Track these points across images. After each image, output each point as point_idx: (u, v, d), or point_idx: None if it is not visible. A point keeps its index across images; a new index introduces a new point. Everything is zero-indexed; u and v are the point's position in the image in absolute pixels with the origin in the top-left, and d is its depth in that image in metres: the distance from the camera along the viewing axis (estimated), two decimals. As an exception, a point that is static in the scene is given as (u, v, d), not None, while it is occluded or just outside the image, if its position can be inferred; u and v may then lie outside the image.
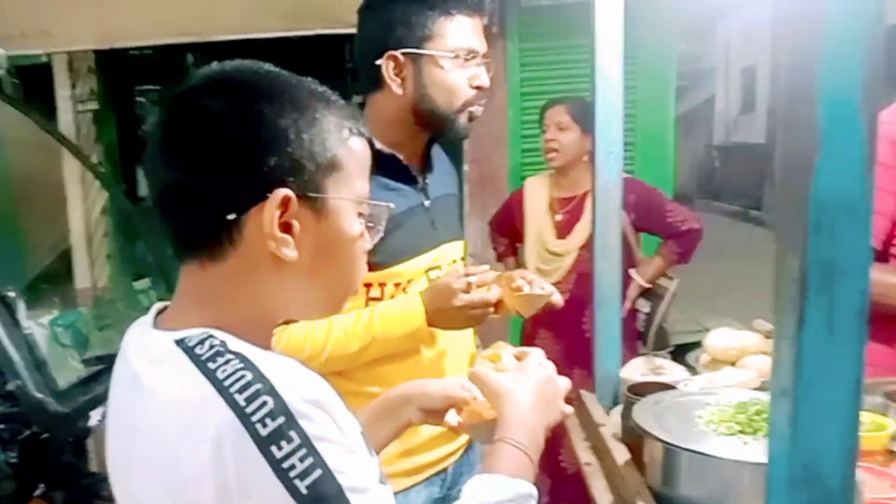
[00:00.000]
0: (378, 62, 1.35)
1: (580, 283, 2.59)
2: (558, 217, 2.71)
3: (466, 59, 1.35)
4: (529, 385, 0.95)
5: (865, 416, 1.30)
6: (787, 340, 0.62)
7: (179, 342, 0.70)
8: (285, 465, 0.62)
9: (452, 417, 1.05)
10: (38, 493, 1.76)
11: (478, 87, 1.38)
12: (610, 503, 1.21)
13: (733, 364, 1.47)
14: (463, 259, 1.57)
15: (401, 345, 1.36)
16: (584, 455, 1.38)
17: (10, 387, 1.61)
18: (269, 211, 0.72)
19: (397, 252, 1.37)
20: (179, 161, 0.74)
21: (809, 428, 0.61)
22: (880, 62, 0.59)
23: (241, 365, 0.67)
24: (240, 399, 0.64)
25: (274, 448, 0.62)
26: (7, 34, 3.70)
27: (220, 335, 0.71)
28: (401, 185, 1.40)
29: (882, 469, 1.16)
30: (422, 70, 1.34)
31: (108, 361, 1.96)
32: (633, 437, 1.21)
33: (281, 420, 0.63)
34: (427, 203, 1.45)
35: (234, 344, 0.70)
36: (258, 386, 0.65)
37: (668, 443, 1.06)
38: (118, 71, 5.32)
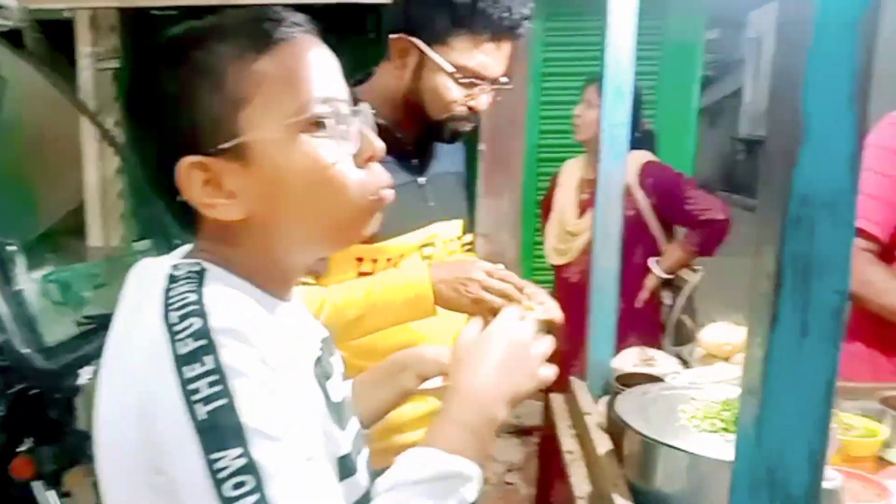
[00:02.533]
0: (392, 36, 1.33)
1: None
2: (584, 196, 2.69)
3: (470, 85, 1.31)
4: (490, 351, 0.82)
5: (859, 421, 1.26)
6: (758, 338, 0.59)
7: (174, 266, 0.71)
8: (191, 386, 0.62)
9: (434, 382, 1.03)
10: (25, 447, 1.77)
11: (471, 108, 1.34)
12: (588, 493, 1.19)
13: (727, 360, 1.44)
14: (459, 238, 1.54)
15: (401, 314, 1.30)
16: (567, 443, 1.36)
17: (-2, 341, 1.61)
18: (183, 186, 0.70)
19: (386, 227, 1.35)
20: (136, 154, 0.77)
21: (775, 430, 0.58)
22: (875, 49, 0.55)
23: (192, 287, 0.68)
24: (173, 316, 0.65)
25: (186, 368, 0.63)
26: (27, -14, 3.69)
27: (210, 267, 0.71)
28: (391, 158, 1.38)
29: (870, 476, 1.12)
30: (422, 67, 1.31)
31: (101, 320, 1.96)
32: (617, 429, 1.19)
33: (202, 342, 0.63)
34: (421, 180, 1.42)
35: (215, 275, 0.70)
36: (193, 307, 0.65)
37: (645, 436, 1.03)
38: (141, 30, 5.31)
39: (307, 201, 0.72)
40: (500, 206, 4.57)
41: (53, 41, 5.13)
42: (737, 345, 1.44)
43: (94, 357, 1.78)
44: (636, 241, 2.63)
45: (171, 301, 0.66)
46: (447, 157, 1.51)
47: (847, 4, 0.54)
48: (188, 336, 0.63)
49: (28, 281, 1.72)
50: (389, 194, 0.78)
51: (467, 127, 1.37)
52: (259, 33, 0.71)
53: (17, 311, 1.62)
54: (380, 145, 0.76)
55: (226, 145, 0.69)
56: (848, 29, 0.54)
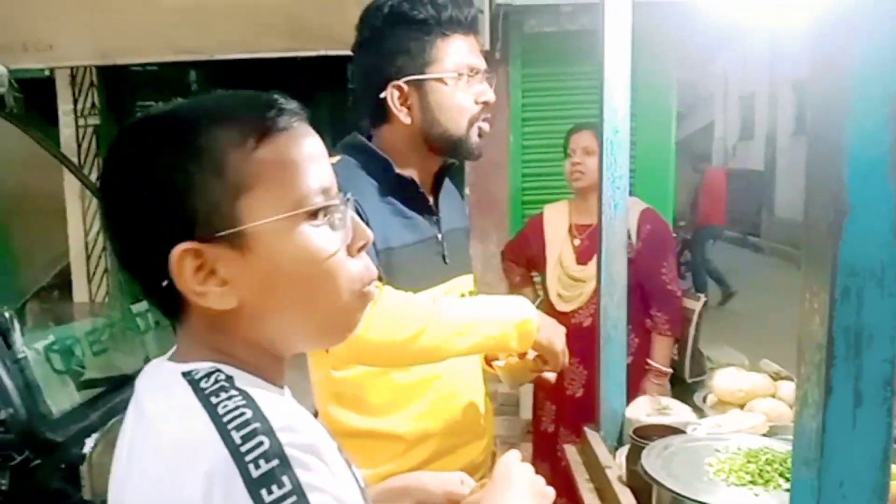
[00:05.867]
0: (382, 95, 1.34)
1: None
2: (577, 242, 2.69)
3: (469, 77, 1.34)
4: (519, 483, 0.91)
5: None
6: (812, 408, 0.59)
7: (186, 374, 0.68)
8: None
9: None
10: (28, 520, 1.72)
11: (484, 103, 1.37)
12: (614, 550, 1.19)
13: (741, 406, 1.45)
14: (472, 292, 1.55)
15: (507, 335, 1.26)
16: (588, 497, 1.35)
17: (2, 415, 1.57)
18: (175, 272, 0.67)
19: (409, 283, 1.35)
20: (109, 233, 0.73)
21: (834, 501, 0.59)
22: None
23: (243, 402, 0.64)
24: (236, 436, 0.61)
25: (264, 491, 0.59)
26: (8, 45, 3.70)
27: (229, 370, 0.68)
28: (415, 214, 1.39)
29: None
30: (427, 95, 1.33)
31: (103, 385, 1.92)
32: (639, 482, 1.19)
33: (275, 463, 0.60)
34: (440, 236, 1.43)
35: (243, 380, 0.68)
36: (256, 425, 0.62)
37: (678, 493, 1.03)
38: (121, 86, 5.33)
39: (302, 292, 0.70)
40: (487, 248, 4.58)
41: (33, 99, 5.12)
42: (749, 391, 1.45)
43: (99, 425, 1.75)
44: (635, 286, 2.63)
45: (224, 419, 0.62)
46: (455, 214, 1.52)
47: (882, 81, 0.56)
48: (259, 457, 0.60)
49: (30, 351, 1.68)
50: (374, 290, 0.76)
51: (487, 126, 1.39)
52: (260, 121, 0.69)
53: (19, 383, 1.58)
54: (370, 233, 0.75)
55: (225, 233, 0.67)
56: (884, 104, 0.56)
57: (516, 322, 1.26)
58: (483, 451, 1.43)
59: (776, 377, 1.51)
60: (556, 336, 1.32)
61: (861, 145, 0.57)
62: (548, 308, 2.82)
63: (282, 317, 0.71)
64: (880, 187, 0.57)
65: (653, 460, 1.13)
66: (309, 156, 0.71)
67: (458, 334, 1.22)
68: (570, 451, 1.55)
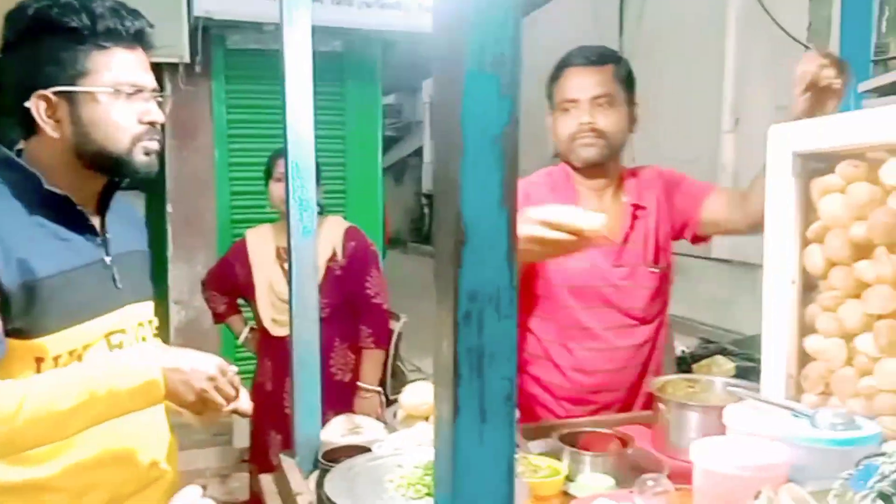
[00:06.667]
0: (27, 104, 1.21)
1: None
2: (287, 266, 2.67)
3: (130, 95, 1.25)
4: None
5: (544, 461, 1.40)
6: (444, 427, 0.62)
7: None
8: None
9: None
10: None
11: (150, 123, 1.28)
12: (303, 580, 1.17)
13: (427, 419, 1.51)
14: (150, 321, 1.44)
15: (125, 404, 1.15)
16: (281, 528, 1.32)
17: None
18: None
19: (70, 314, 1.22)
20: None
21: (467, 510, 0.62)
22: (517, 152, 0.63)
23: None
24: None
25: None
26: None
27: None
28: (74, 235, 1.26)
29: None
30: (78, 109, 1.23)
31: None
32: (329, 507, 1.18)
33: None
34: (108, 259, 1.31)
35: None
36: None
37: (355, 515, 1.04)
38: None
39: None
40: (194, 269, 4.36)
41: None
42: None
43: None
44: (344, 302, 2.68)
45: None
46: (131, 235, 1.41)
47: (489, 122, 0.61)
48: None
49: None
50: None
51: (157, 145, 1.30)
52: None
53: None
54: None
55: None
56: (492, 142, 0.61)
57: (130, 388, 1.14)
58: (165, 493, 1.33)
59: (459, 387, 1.60)
60: (184, 388, 1.20)
61: (475, 178, 0.61)
62: (262, 334, 2.76)
63: None
64: (494, 217, 0.61)
65: (337, 483, 1.13)
66: None
67: (62, 423, 1.10)
68: (265, 481, 1.51)
